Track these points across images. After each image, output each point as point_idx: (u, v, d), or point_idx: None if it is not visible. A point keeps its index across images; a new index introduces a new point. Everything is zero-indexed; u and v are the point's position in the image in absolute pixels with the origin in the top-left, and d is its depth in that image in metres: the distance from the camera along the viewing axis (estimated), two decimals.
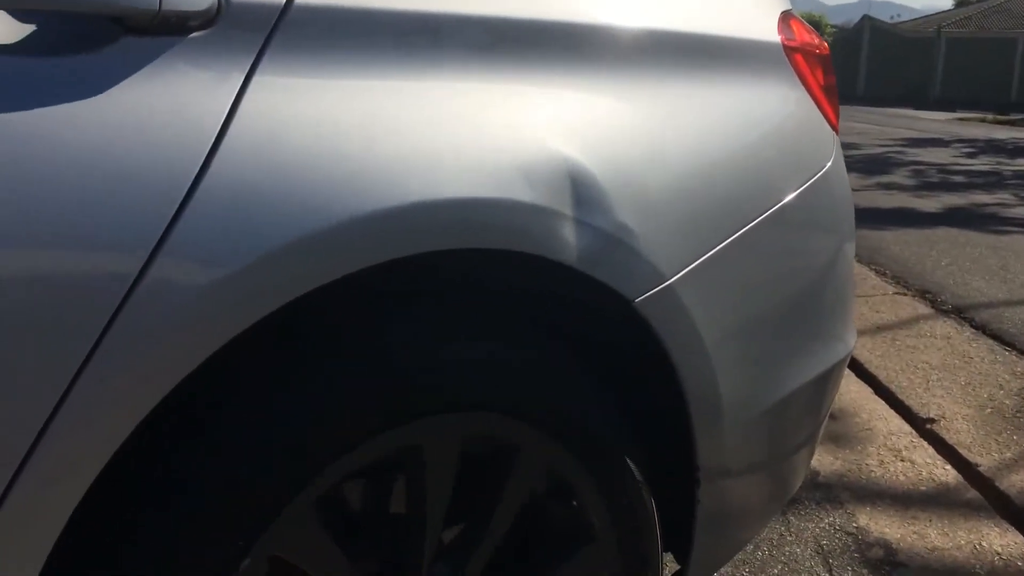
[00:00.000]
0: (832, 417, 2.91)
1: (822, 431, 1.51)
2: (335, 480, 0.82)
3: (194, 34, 0.72)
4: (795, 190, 1.25)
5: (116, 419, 0.67)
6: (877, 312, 4.16)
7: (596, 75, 1.01)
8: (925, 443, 2.74)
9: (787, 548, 2.01)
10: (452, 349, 0.91)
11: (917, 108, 29.02)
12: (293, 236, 0.72)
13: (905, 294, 4.42)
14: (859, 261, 5.19)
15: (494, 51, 0.92)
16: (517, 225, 0.88)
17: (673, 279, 1.02)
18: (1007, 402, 2.99)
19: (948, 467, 2.57)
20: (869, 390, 3.22)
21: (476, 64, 0.90)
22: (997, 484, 2.44)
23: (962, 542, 2.14)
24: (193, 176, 0.69)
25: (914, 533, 2.16)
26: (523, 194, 0.88)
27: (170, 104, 0.70)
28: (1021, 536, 2.19)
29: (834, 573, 1.92)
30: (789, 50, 1.32)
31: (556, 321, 1.04)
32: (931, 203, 7.50)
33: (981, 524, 2.24)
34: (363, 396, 0.83)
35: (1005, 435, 2.74)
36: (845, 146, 1.84)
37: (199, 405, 0.77)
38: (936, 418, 2.90)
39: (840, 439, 2.73)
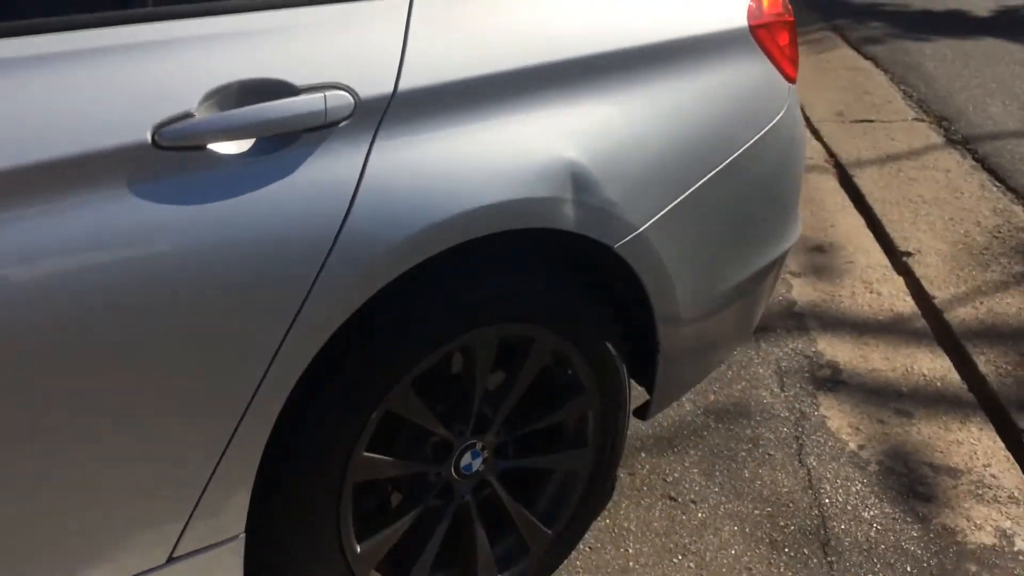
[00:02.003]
0: (822, 250, 3.42)
1: (759, 309, 2.04)
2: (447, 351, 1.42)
3: (341, 124, 1.21)
4: (747, 144, 1.72)
5: (324, 327, 1.23)
6: (892, 140, 4.53)
7: (593, 92, 1.47)
8: (896, 276, 3.26)
9: (752, 368, 2.61)
10: (512, 286, 1.46)
11: None
12: (404, 237, 1.25)
13: (923, 120, 4.74)
14: (891, 80, 5.45)
15: (519, 91, 1.38)
16: (535, 212, 1.39)
17: (642, 228, 1.54)
18: (979, 239, 3.46)
19: (908, 299, 3.10)
20: (862, 223, 3.69)
21: (510, 105, 1.37)
22: (944, 315, 2.98)
23: (898, 365, 2.71)
24: (347, 204, 1.21)
25: (860, 357, 2.74)
26: (540, 191, 1.38)
27: (331, 167, 1.21)
28: (948, 361, 2.75)
29: (785, 388, 2.53)
30: (754, 28, 1.74)
31: (562, 258, 1.57)
32: (986, 3, 7.48)
33: (919, 350, 2.80)
34: (458, 314, 1.40)
35: (967, 271, 3.24)
36: None
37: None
38: (913, 252, 3.39)
39: (823, 271, 3.26)
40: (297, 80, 1.19)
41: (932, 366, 2.71)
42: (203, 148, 1.13)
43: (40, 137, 1.03)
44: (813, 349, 2.74)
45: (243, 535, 1.31)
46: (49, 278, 1.04)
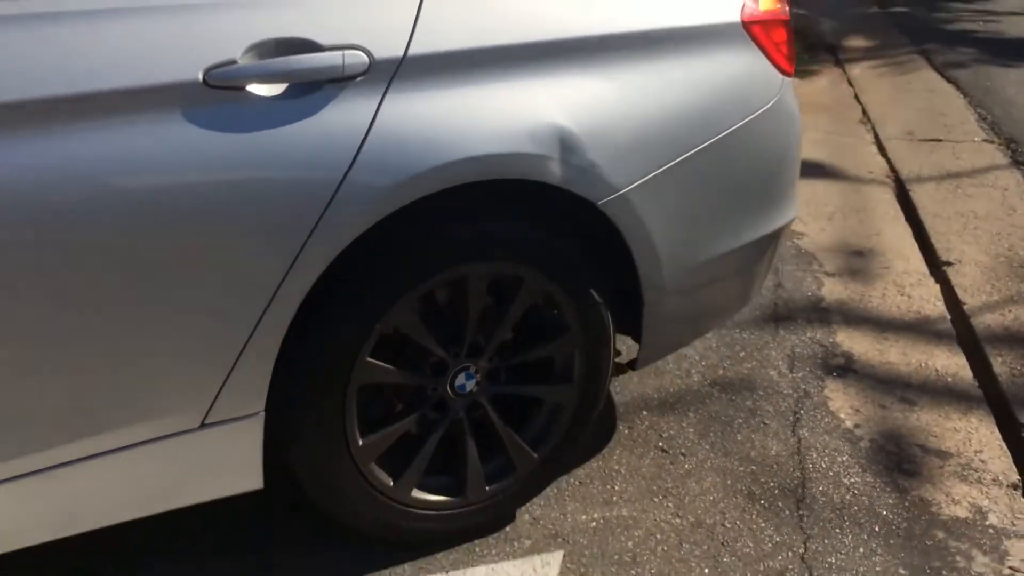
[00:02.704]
0: (861, 255, 3.55)
1: (759, 279, 2.23)
2: (424, 293, 1.68)
3: (358, 79, 1.49)
4: (734, 126, 1.92)
5: (328, 249, 1.51)
6: (956, 159, 4.58)
7: (585, 67, 1.71)
8: (931, 283, 3.36)
9: (766, 351, 2.78)
10: (504, 229, 1.72)
11: None
12: (406, 176, 1.52)
13: (992, 142, 4.77)
14: (969, 103, 5.47)
15: (517, 63, 1.63)
16: (526, 165, 1.64)
17: (625, 190, 1.76)
18: (1021, 253, 3.52)
19: (939, 304, 3.21)
20: (909, 233, 3.79)
21: (506, 73, 1.62)
22: (971, 319, 3.07)
23: (913, 360, 2.83)
24: (354, 152, 1.49)
25: (877, 350, 2.87)
26: (528, 148, 1.63)
27: (347, 113, 1.49)
28: (964, 360, 2.85)
29: (794, 370, 2.69)
30: (748, 24, 1.95)
31: (557, 215, 1.81)
32: None
33: (938, 349, 2.91)
34: (453, 248, 1.66)
35: (1002, 281, 3.31)
36: None
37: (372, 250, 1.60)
38: (953, 262, 3.48)
39: (858, 273, 3.38)
40: (322, 40, 1.48)
41: (947, 363, 2.82)
42: (243, 89, 1.42)
43: (120, 69, 1.34)
44: (831, 340, 2.89)
45: (263, 413, 1.59)
46: (122, 176, 1.35)
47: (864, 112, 5.52)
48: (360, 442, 1.71)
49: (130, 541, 1.90)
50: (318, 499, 1.75)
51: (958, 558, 2.02)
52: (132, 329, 1.43)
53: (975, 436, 2.47)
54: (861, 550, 2.01)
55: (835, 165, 4.51)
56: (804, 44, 6.67)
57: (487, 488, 1.89)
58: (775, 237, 2.17)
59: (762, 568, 1.93)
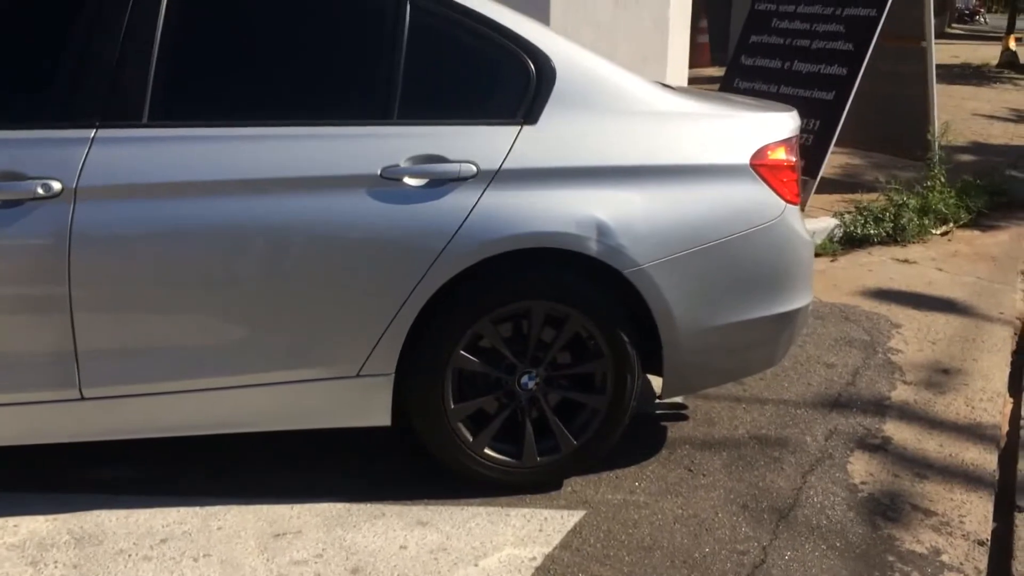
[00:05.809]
0: (946, 372, 4.06)
1: (780, 349, 3.00)
2: (501, 316, 2.67)
3: (468, 180, 2.55)
4: (737, 233, 2.78)
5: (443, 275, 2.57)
6: None
7: (621, 182, 2.65)
8: (1002, 401, 3.81)
9: (811, 425, 3.43)
10: (556, 281, 2.69)
11: None
12: (492, 238, 2.55)
13: None
14: None
15: (572, 177, 2.63)
16: (570, 241, 2.60)
17: (644, 265, 2.67)
18: None
19: (998, 415, 3.67)
20: (1007, 363, 4.22)
21: (563, 182, 2.61)
22: (1022, 431, 3.53)
23: (947, 452, 3.36)
24: (462, 221, 2.54)
25: (916, 440, 3.42)
26: (574, 230, 2.60)
27: (460, 200, 2.55)
28: (995, 457, 3.34)
29: (829, 440, 3.32)
30: (756, 166, 2.83)
31: (598, 277, 2.74)
32: None
33: (975, 447, 3.40)
34: (521, 288, 2.66)
35: None
36: None
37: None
38: None
39: (934, 384, 3.91)
40: (450, 156, 2.57)
41: (977, 457, 3.32)
42: (400, 181, 2.54)
43: (337, 164, 2.50)
44: (877, 426, 3.49)
45: (393, 374, 2.63)
46: (334, 223, 2.49)
47: None
48: (452, 406, 2.69)
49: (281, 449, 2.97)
50: (423, 439, 2.74)
51: (896, 574, 2.61)
52: (330, 310, 2.55)
53: (967, 506, 2.99)
54: (816, 554, 2.67)
55: (967, 303, 4.98)
56: (997, 202, 7.03)
57: (538, 459, 2.79)
58: (787, 317, 2.94)
59: (728, 547, 2.65)
